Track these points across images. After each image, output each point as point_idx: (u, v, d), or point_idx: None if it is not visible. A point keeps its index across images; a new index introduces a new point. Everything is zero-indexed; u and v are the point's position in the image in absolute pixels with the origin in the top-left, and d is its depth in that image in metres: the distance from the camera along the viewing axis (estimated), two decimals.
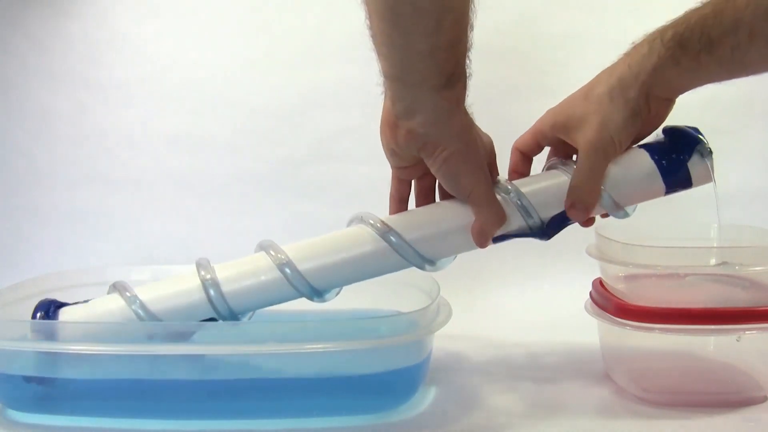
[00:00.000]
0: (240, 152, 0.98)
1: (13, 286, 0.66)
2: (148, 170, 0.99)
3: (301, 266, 0.56)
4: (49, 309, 0.58)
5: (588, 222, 0.60)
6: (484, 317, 0.86)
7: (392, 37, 0.47)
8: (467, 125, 0.53)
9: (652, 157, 0.57)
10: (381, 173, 0.61)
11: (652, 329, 0.60)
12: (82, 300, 0.60)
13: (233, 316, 0.57)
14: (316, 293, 0.58)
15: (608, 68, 0.58)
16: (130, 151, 0.99)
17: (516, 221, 0.57)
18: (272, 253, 0.57)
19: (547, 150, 0.63)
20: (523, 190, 0.57)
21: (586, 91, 0.58)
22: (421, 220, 0.58)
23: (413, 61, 0.48)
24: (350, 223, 0.59)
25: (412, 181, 0.61)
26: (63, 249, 0.99)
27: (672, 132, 0.58)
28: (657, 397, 0.62)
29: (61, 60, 0.98)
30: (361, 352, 0.57)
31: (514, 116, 0.78)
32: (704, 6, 0.54)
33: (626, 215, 0.59)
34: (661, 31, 0.56)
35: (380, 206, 0.61)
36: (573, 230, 0.60)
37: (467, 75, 0.51)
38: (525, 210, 0.57)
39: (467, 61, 0.50)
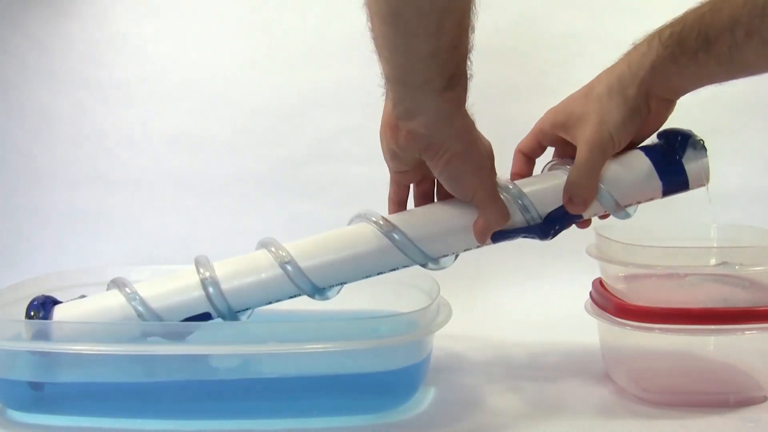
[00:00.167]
0: (240, 152, 0.98)
1: (13, 286, 0.66)
2: (148, 170, 0.99)
3: (303, 264, 0.56)
4: (44, 304, 0.58)
5: (584, 224, 0.61)
6: (484, 317, 0.86)
7: (393, 40, 0.47)
8: (469, 126, 0.53)
9: (649, 156, 0.58)
10: (381, 173, 0.60)
11: (652, 329, 0.60)
12: (77, 296, 0.60)
13: (232, 313, 0.57)
14: (318, 291, 0.58)
15: (609, 68, 0.59)
16: (130, 151, 0.99)
17: (517, 218, 0.57)
18: (273, 250, 0.57)
19: (549, 154, 0.63)
20: (525, 189, 0.57)
21: (587, 91, 0.59)
22: (425, 218, 0.58)
23: (414, 63, 0.48)
24: (352, 220, 0.59)
25: (411, 185, 0.61)
26: (63, 249, 0.99)
27: (666, 134, 0.59)
28: (657, 397, 0.62)
29: (61, 60, 0.98)
30: (361, 352, 0.57)
31: (514, 116, 0.79)
32: (702, 5, 0.54)
33: (627, 216, 0.59)
34: (660, 31, 0.56)
35: (380, 206, 0.60)
36: (573, 230, 0.60)
37: (468, 76, 0.51)
38: (525, 208, 0.57)
39: (468, 63, 0.50)
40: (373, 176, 0.61)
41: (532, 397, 0.64)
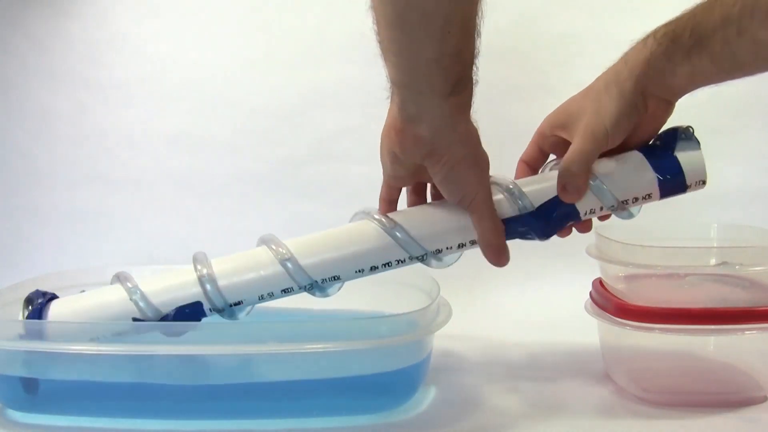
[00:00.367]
0: (240, 152, 0.98)
1: (13, 286, 0.66)
2: (148, 170, 0.99)
3: (304, 261, 0.56)
4: (41, 299, 0.58)
5: (585, 227, 0.61)
6: (484, 317, 0.86)
7: (399, 44, 0.47)
8: (472, 132, 0.53)
9: (643, 153, 0.58)
10: (381, 173, 0.60)
11: (652, 329, 0.60)
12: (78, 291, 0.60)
13: (230, 309, 0.57)
14: (319, 288, 0.58)
15: (607, 68, 0.59)
16: (130, 151, 0.99)
17: (512, 212, 0.57)
18: (273, 247, 0.57)
19: None
20: (525, 189, 0.57)
21: (585, 91, 0.59)
22: (426, 217, 0.58)
23: (420, 67, 0.48)
24: (354, 218, 0.59)
25: (403, 188, 0.61)
26: (63, 249, 0.99)
27: (660, 135, 0.59)
28: (657, 397, 0.62)
29: (61, 60, 0.98)
30: (361, 352, 0.57)
31: (514, 116, 0.79)
32: (696, 6, 0.55)
33: (631, 215, 0.59)
34: (655, 30, 0.56)
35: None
36: (573, 230, 0.60)
37: (474, 82, 0.51)
38: (525, 208, 0.56)
39: (474, 68, 0.50)
40: (373, 176, 0.61)
41: (532, 397, 0.64)
